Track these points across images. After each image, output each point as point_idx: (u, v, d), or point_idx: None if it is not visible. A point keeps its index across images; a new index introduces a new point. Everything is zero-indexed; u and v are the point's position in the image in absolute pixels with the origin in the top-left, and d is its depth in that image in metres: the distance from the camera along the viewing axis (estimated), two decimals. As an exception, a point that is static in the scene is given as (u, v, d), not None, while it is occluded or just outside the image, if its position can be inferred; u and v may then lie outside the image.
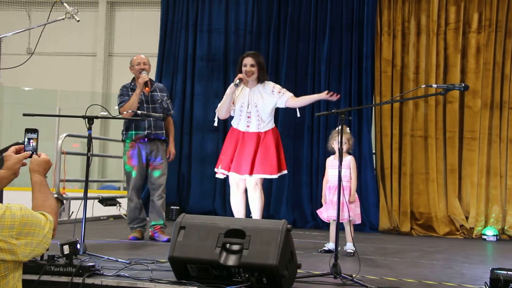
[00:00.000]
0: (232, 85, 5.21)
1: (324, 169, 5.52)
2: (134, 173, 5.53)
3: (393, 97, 7.65)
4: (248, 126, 5.23)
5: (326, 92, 5.16)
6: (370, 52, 7.84)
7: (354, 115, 7.74)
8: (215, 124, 5.57)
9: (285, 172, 5.35)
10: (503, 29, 7.58)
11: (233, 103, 5.28)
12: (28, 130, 2.49)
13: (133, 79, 5.67)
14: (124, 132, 5.61)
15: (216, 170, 5.34)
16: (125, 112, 5.36)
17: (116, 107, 5.62)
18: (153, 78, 6.36)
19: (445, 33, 7.76)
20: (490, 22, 7.62)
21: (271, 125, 5.31)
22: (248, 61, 5.26)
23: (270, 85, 5.36)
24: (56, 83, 12.01)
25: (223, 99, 5.31)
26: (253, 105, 5.24)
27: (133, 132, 5.51)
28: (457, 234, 7.38)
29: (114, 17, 12.40)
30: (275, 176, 5.25)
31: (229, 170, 5.19)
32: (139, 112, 5.22)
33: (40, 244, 2.18)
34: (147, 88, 5.56)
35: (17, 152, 2.46)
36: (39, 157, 2.43)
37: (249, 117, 5.23)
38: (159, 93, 5.67)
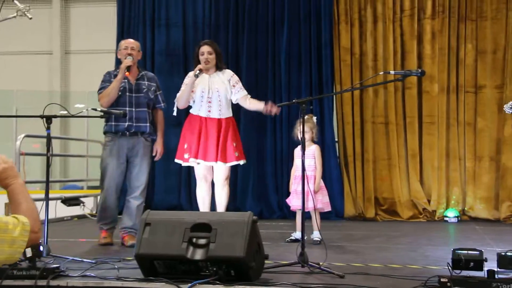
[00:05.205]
0: (191, 74, 5.24)
1: (288, 159, 5.56)
2: (111, 169, 5.04)
3: (353, 85, 7.73)
4: (209, 111, 5.26)
5: (265, 105, 5.26)
6: (328, 41, 7.89)
7: (315, 104, 7.78)
8: (174, 113, 5.52)
9: (244, 161, 5.44)
10: (456, 15, 7.71)
11: (193, 91, 5.30)
12: None
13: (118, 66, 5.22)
14: (104, 124, 5.16)
15: (177, 161, 5.32)
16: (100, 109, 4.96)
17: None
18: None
19: (401, 20, 7.86)
20: (443, 8, 7.75)
21: (230, 113, 5.37)
22: (205, 49, 5.30)
23: (228, 73, 5.41)
24: (12, 83, 11.73)
25: (182, 88, 5.33)
26: (215, 90, 5.27)
27: (113, 123, 5.07)
28: (420, 218, 7.53)
29: (69, 14, 12.16)
30: (242, 162, 5.34)
31: (197, 157, 5.18)
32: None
33: (5, 251, 2.06)
34: (127, 73, 5.04)
35: None
36: None
37: (209, 102, 5.26)
38: (146, 82, 5.19)
